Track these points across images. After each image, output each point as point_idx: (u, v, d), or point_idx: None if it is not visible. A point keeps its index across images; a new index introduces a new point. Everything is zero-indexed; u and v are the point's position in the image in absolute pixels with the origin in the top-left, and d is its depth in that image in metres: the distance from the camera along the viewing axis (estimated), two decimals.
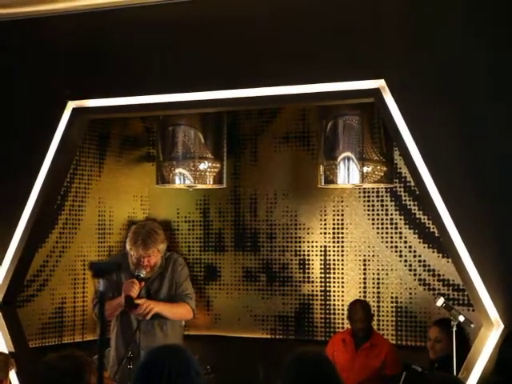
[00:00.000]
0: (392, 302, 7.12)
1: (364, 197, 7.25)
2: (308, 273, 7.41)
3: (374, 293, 7.18)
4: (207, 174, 7.06)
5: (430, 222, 6.82)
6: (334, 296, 7.31)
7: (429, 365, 6.00)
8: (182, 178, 7.06)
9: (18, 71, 6.82)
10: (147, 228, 5.91)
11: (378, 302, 7.15)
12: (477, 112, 5.54)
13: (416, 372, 5.59)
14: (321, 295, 7.36)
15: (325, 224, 7.37)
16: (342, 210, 7.32)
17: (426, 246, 6.98)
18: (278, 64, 6.01)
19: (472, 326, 5.64)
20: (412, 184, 6.84)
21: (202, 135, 7.05)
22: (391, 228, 7.13)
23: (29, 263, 6.77)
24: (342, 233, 7.31)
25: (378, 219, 7.19)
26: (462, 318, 5.54)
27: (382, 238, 7.16)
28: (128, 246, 5.84)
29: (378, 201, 7.20)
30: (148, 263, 5.75)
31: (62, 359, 3.89)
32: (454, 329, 5.56)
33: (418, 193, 6.42)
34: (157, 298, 5.85)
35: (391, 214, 7.14)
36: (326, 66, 5.90)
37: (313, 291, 7.38)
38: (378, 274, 7.17)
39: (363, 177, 6.61)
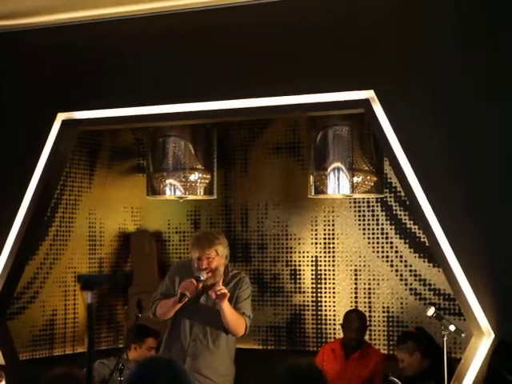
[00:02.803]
0: (383, 312, 7.12)
1: (355, 207, 7.25)
2: (299, 283, 7.40)
3: (365, 303, 7.18)
4: (198, 184, 7.06)
5: (421, 231, 6.82)
6: (325, 306, 7.31)
7: (411, 378, 6.00)
8: (172, 189, 7.06)
9: (7, 84, 6.82)
10: (205, 231, 5.99)
11: (370, 311, 7.14)
12: (467, 122, 5.56)
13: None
14: (312, 305, 7.35)
15: (316, 234, 7.37)
16: (333, 221, 7.32)
17: (417, 255, 6.98)
18: (268, 75, 6.03)
19: (463, 335, 5.64)
20: (403, 194, 6.84)
21: (192, 146, 7.05)
22: (382, 238, 7.13)
23: (19, 275, 6.75)
24: (333, 243, 7.31)
25: (368, 229, 7.19)
26: (452, 328, 5.54)
27: (373, 248, 7.16)
28: (190, 252, 5.76)
29: (368, 211, 7.20)
30: (208, 266, 5.50)
31: (63, 376, 3.88)
32: (445, 338, 5.55)
33: (408, 203, 6.42)
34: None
35: (382, 224, 7.14)
36: (316, 76, 5.91)
37: (304, 301, 7.38)
38: (370, 283, 7.17)
39: (353, 187, 6.62)
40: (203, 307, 5.58)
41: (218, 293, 5.38)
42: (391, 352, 7.03)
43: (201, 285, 5.48)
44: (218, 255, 5.55)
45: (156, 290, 5.77)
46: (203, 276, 5.47)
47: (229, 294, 5.44)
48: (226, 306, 5.44)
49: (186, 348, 5.54)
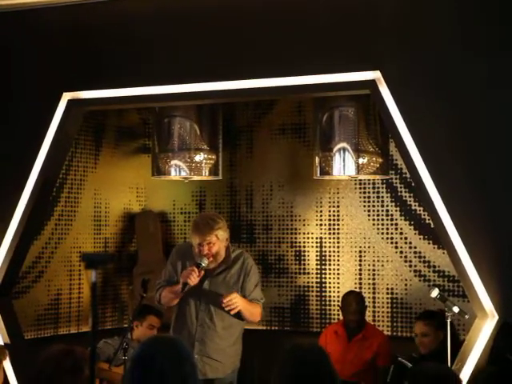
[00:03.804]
0: (387, 294, 7.13)
1: (360, 188, 7.25)
2: (304, 264, 7.41)
3: (369, 284, 7.19)
4: (203, 165, 7.06)
5: (426, 213, 6.82)
6: (329, 287, 7.32)
7: (420, 358, 5.98)
8: (177, 170, 7.06)
9: (13, 63, 6.80)
10: (204, 216, 5.86)
11: (374, 293, 7.16)
12: (473, 104, 5.54)
13: (405, 365, 5.58)
14: (316, 286, 7.36)
15: (321, 215, 7.38)
16: (338, 202, 7.32)
17: (422, 237, 6.99)
18: (274, 55, 6.00)
19: (466, 316, 5.64)
20: (408, 175, 6.84)
21: (197, 127, 7.05)
22: (387, 219, 7.14)
23: (24, 255, 6.76)
24: (338, 224, 7.31)
25: (373, 211, 7.19)
26: (456, 309, 5.54)
27: (378, 229, 7.17)
28: (190, 238, 5.75)
29: (373, 192, 7.20)
30: (209, 251, 5.51)
31: (62, 354, 3.87)
32: (449, 320, 5.55)
33: (413, 184, 6.42)
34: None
35: (387, 206, 7.14)
36: (323, 57, 5.88)
37: (308, 283, 7.39)
38: (374, 265, 7.18)
39: (359, 168, 6.61)
40: (207, 292, 5.59)
41: (232, 312, 5.47)
42: (395, 333, 7.05)
43: (202, 272, 5.48)
44: (219, 240, 5.55)
45: (159, 276, 5.78)
46: (204, 262, 5.49)
47: (240, 307, 5.48)
48: (243, 308, 5.51)
49: (194, 333, 5.56)
